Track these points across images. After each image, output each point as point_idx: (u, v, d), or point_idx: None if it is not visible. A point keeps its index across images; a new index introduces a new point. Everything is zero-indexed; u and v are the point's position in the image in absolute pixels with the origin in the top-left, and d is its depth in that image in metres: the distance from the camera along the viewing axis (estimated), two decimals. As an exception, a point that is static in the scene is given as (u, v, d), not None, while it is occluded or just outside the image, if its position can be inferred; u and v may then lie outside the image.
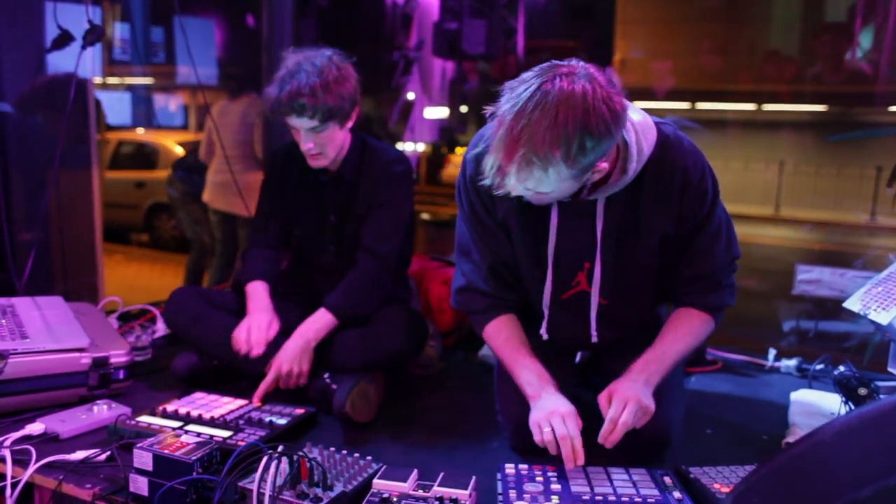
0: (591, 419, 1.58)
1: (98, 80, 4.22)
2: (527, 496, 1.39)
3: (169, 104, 4.74)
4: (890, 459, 0.90)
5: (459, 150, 5.92)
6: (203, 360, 2.09)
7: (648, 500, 1.39)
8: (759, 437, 1.87)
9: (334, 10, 3.91)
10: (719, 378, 2.37)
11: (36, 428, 1.68)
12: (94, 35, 2.36)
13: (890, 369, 1.93)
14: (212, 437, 1.62)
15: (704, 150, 1.65)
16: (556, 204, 1.63)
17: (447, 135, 5.94)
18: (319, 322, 2.03)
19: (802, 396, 2.00)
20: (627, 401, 1.53)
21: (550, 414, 1.54)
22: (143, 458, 1.41)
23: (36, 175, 2.77)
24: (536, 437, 1.54)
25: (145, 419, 1.73)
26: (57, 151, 2.32)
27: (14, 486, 1.50)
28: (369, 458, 1.57)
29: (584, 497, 1.39)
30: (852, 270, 2.45)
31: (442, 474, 1.47)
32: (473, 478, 1.45)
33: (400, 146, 5.39)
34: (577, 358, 1.97)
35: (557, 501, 1.37)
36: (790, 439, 1.76)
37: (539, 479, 1.47)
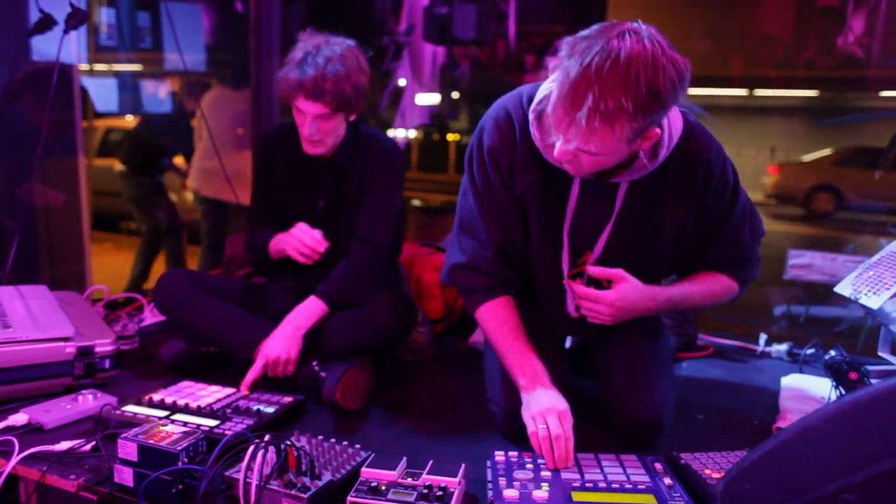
0: (581, 405, 1.58)
1: (84, 66, 4.16)
2: (516, 483, 1.38)
3: (157, 91, 4.68)
4: (881, 445, 0.89)
5: (451, 137, 5.89)
6: (191, 348, 2.07)
7: (639, 486, 1.38)
8: (750, 423, 1.86)
9: (323, -7, 3.87)
10: (711, 363, 2.36)
11: (19, 419, 1.66)
12: (77, 19, 2.31)
13: (880, 353, 1.93)
14: (198, 426, 1.61)
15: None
16: (579, 184, 1.60)
17: (438, 121, 5.90)
18: (310, 310, 2.00)
19: (793, 381, 2.00)
20: (612, 304, 1.57)
21: (547, 411, 1.51)
22: (127, 449, 1.39)
23: (20, 163, 2.73)
24: (530, 430, 1.52)
25: (131, 409, 1.71)
26: (41, 138, 2.27)
27: (-3, 477, 1.47)
28: (358, 446, 1.55)
29: (574, 484, 1.38)
30: (843, 255, 2.44)
31: (431, 462, 1.45)
32: (463, 465, 1.44)
33: (391, 132, 5.36)
34: (568, 343, 1.95)
35: (547, 489, 1.36)
36: (781, 424, 1.76)
37: (529, 466, 1.46)
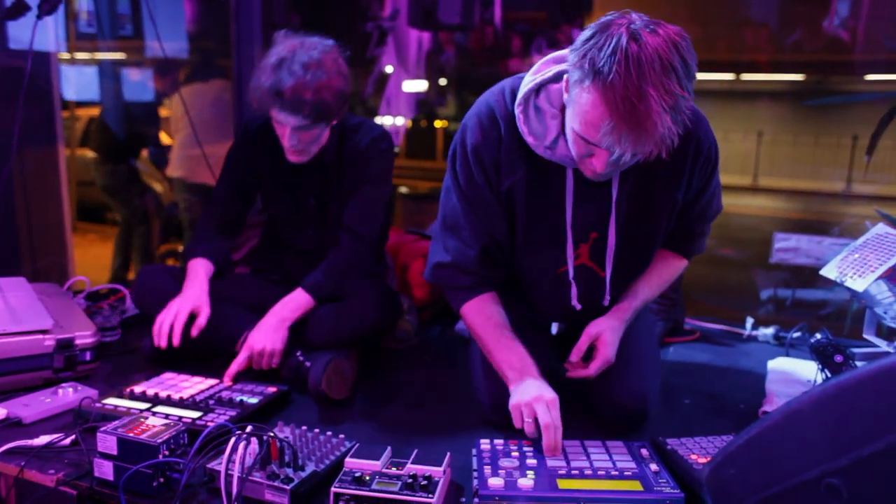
0: (567, 392, 1.57)
1: (65, 54, 4.09)
2: (502, 472, 1.36)
3: (138, 79, 4.61)
4: (865, 428, 0.88)
5: (438, 124, 5.84)
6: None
7: (625, 472, 1.37)
8: (737, 407, 1.86)
9: (306, -21, 3.82)
10: (698, 348, 2.36)
11: (-3, 413, 1.63)
12: (50, 4, 2.25)
13: (866, 336, 1.93)
14: (180, 418, 1.59)
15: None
16: (573, 173, 1.57)
17: (424, 108, 5.85)
18: (296, 302, 1.97)
19: (779, 365, 1.99)
20: (607, 363, 1.63)
21: (535, 400, 1.49)
22: (107, 442, 1.37)
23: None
24: (517, 423, 1.51)
25: (112, 401, 1.68)
26: (15, 128, 2.23)
27: (-26, 472, 1.45)
28: (342, 436, 1.54)
29: (560, 471, 1.37)
30: (829, 238, 2.45)
31: (416, 451, 1.44)
32: (448, 454, 1.43)
33: (378, 120, 5.32)
34: (554, 330, 1.94)
35: (533, 476, 1.35)
36: (767, 408, 1.76)
37: (514, 454, 1.45)
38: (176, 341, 1.91)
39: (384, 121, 5.31)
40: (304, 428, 1.54)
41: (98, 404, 1.66)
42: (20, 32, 2.67)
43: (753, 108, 7.62)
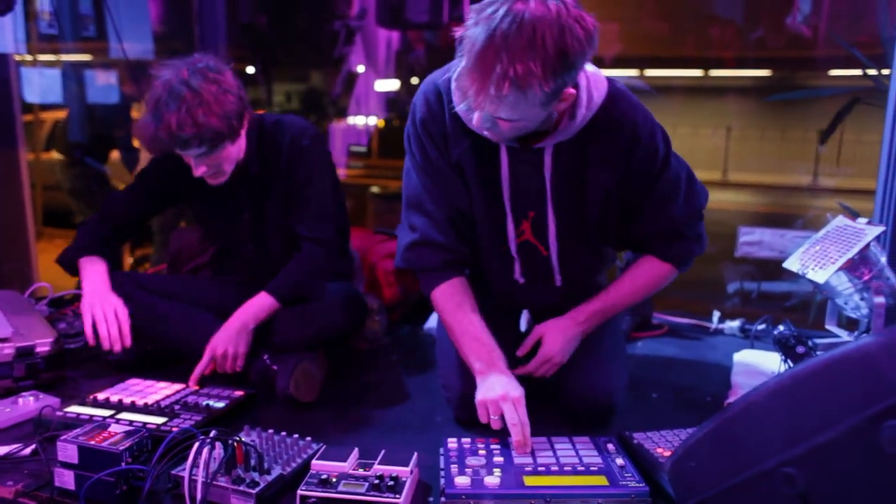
0: (535, 387, 1.57)
1: (25, 56, 4.01)
2: (468, 470, 1.36)
3: (102, 81, 4.54)
4: (819, 417, 0.89)
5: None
6: (137, 346, 2.01)
7: (591, 467, 1.38)
8: (704, 400, 1.88)
9: (271, -22, 3.79)
10: (665, 342, 2.39)
11: (-45, 424, 1.60)
12: (4, 4, 2.20)
13: (828, 326, 1.96)
14: (144, 424, 1.56)
15: (654, 115, 1.62)
16: (506, 150, 1.59)
17: (396, 107, 5.84)
18: (259, 305, 1.94)
19: (745, 357, 2.01)
20: (547, 360, 1.65)
21: (501, 398, 1.50)
22: (67, 451, 1.35)
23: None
24: (482, 419, 1.52)
25: (74, 409, 1.65)
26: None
27: (-69, 486, 1.41)
28: (309, 438, 1.53)
29: (526, 468, 1.38)
30: (792, 231, 2.48)
31: (383, 452, 1.44)
32: (415, 454, 1.43)
33: (351, 120, 5.28)
34: (523, 326, 1.95)
35: (499, 474, 1.35)
36: (732, 399, 1.78)
37: (482, 452, 1.45)
38: (127, 342, 1.89)
39: (356, 120, 5.27)
40: (270, 431, 1.52)
41: (59, 413, 1.63)
42: None
43: (722, 103, 7.71)
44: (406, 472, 1.37)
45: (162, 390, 1.80)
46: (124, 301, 1.95)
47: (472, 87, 1.34)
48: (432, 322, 2.37)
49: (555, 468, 1.38)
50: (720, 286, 3.12)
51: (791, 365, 1.71)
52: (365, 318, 2.12)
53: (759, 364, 1.96)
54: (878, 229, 1.77)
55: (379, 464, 1.40)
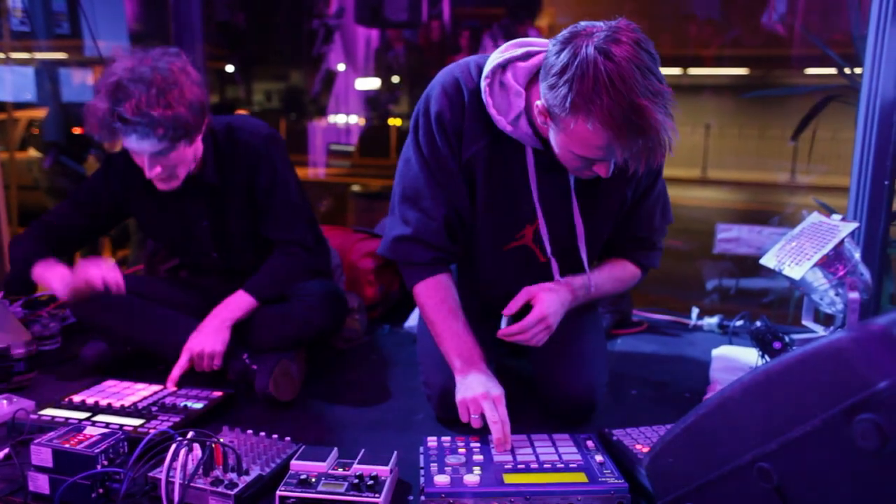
0: (516, 385, 1.58)
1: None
2: (448, 469, 1.36)
3: (77, 79, 4.48)
4: (792, 412, 0.90)
5: (392, 122, 5.81)
6: (113, 347, 1.99)
7: (570, 464, 1.38)
8: (682, 396, 1.90)
9: (249, -24, 3.76)
10: (645, 339, 2.40)
11: (-74, 428, 1.57)
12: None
13: (804, 322, 1.98)
14: (121, 426, 1.54)
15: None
16: (533, 152, 1.58)
17: (376, 106, 5.83)
18: (237, 303, 1.93)
19: (723, 352, 2.04)
20: (542, 319, 1.56)
21: (481, 397, 1.50)
22: (41, 454, 1.33)
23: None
24: (463, 417, 1.52)
25: (49, 412, 1.63)
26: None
27: None
28: (288, 438, 1.52)
29: (506, 466, 1.38)
30: (769, 227, 2.51)
31: (363, 451, 1.43)
32: (395, 453, 1.42)
33: (331, 119, 5.26)
34: (504, 323, 1.95)
35: (479, 472, 1.35)
36: (710, 395, 1.79)
37: (462, 450, 1.45)
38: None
39: (336, 119, 5.25)
40: (249, 431, 1.51)
41: (34, 416, 1.61)
42: None
43: (700, 101, 7.78)
44: (386, 472, 1.36)
45: (139, 392, 1.78)
46: (102, 304, 1.93)
47: (631, 150, 1.34)
48: (412, 321, 2.37)
49: (534, 465, 1.38)
50: (699, 283, 3.15)
51: (768, 360, 1.73)
52: (346, 316, 2.11)
53: (738, 359, 1.98)
54: (852, 226, 1.80)
55: (358, 463, 1.39)
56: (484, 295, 1.78)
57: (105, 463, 1.32)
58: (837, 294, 1.83)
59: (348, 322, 2.21)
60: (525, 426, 1.55)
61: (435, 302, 1.65)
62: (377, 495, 1.29)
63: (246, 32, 4.22)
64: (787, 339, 1.73)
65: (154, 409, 1.67)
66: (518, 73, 1.52)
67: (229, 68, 4.80)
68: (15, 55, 4.22)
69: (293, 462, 1.39)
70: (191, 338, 1.86)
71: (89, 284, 1.82)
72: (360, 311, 2.31)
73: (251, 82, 5.64)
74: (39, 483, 1.33)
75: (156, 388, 1.81)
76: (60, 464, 1.32)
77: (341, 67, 4.77)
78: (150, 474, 1.35)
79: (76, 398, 1.70)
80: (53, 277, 1.86)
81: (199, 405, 1.70)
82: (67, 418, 1.59)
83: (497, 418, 1.47)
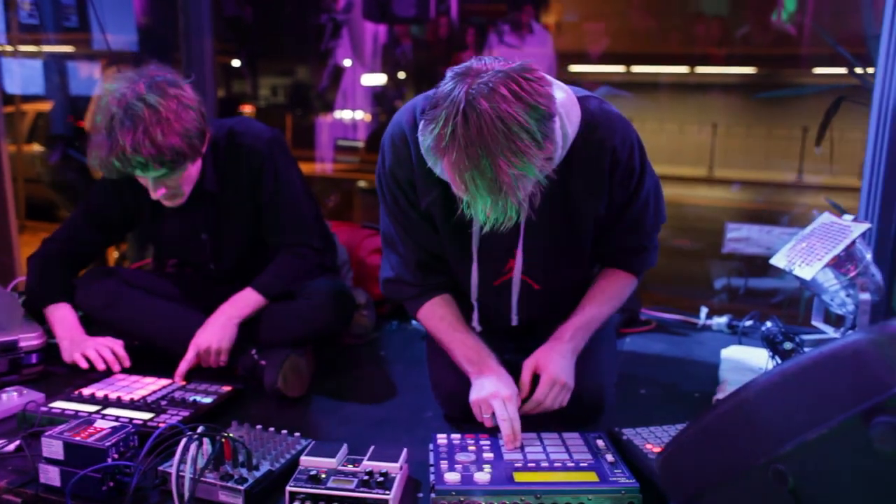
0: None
1: (6, 47, 3.96)
2: (458, 466, 1.36)
3: (84, 73, 4.49)
4: (809, 414, 0.90)
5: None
6: (123, 341, 1.99)
7: (581, 464, 1.38)
8: (692, 396, 1.89)
9: (257, -30, 3.76)
10: (653, 338, 2.39)
11: (-63, 419, 1.57)
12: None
13: (814, 322, 1.98)
14: (130, 420, 1.55)
15: (640, 113, 1.62)
16: None
17: (382, 101, 5.83)
18: (245, 300, 1.93)
19: (732, 353, 2.03)
20: (555, 382, 1.55)
21: (492, 396, 1.50)
22: (52, 447, 1.33)
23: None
24: (478, 417, 1.52)
25: (59, 405, 1.63)
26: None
27: (-88, 482, 1.39)
28: (297, 434, 1.52)
29: (516, 464, 1.38)
30: (779, 227, 2.50)
31: (372, 448, 1.43)
32: (405, 450, 1.42)
33: (337, 114, 5.26)
34: (514, 321, 1.94)
35: (489, 470, 1.34)
36: (720, 395, 1.79)
37: (472, 448, 1.45)
38: (126, 363, 1.93)
39: (342, 115, 5.24)
40: (258, 427, 1.52)
41: (44, 408, 1.61)
42: None
43: (708, 100, 7.76)
44: (395, 469, 1.36)
45: (148, 385, 1.78)
46: (109, 299, 1.95)
47: (484, 203, 1.30)
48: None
49: (545, 464, 1.38)
50: (707, 282, 3.14)
51: (778, 361, 1.72)
52: (353, 315, 2.11)
53: (747, 360, 1.97)
54: (864, 226, 1.79)
55: (368, 460, 1.39)
56: (492, 325, 1.75)
57: (116, 456, 1.32)
58: (848, 295, 1.83)
59: (356, 318, 2.21)
60: (534, 425, 1.54)
61: (435, 322, 1.68)
62: (387, 492, 1.29)
63: (253, 27, 4.22)
64: (797, 339, 1.72)
65: (163, 403, 1.67)
66: None
67: (235, 63, 4.80)
68: (23, 48, 4.23)
69: (303, 458, 1.39)
70: (198, 333, 1.86)
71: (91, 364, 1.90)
72: (368, 308, 2.31)
73: (257, 77, 5.64)
74: (50, 475, 1.34)
75: (164, 382, 1.81)
76: (71, 456, 1.32)
77: (347, 63, 4.76)
78: (161, 468, 1.35)
79: (86, 391, 1.71)
80: (62, 338, 1.95)
81: (207, 400, 1.70)
82: (77, 411, 1.60)
83: (506, 416, 1.47)
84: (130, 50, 4.17)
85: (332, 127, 5.31)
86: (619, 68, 6.46)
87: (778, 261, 1.94)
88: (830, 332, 1.94)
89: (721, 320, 2.44)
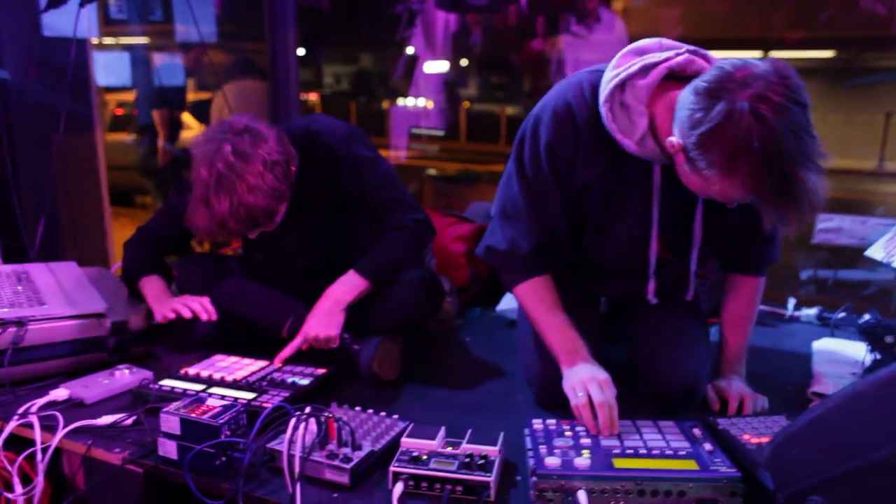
0: (613, 372, 1.58)
1: (95, 40, 4.14)
2: (557, 451, 1.38)
3: (168, 63, 4.66)
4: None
5: (464, 105, 5.81)
6: (220, 323, 2.07)
7: (679, 452, 1.38)
8: (784, 388, 1.86)
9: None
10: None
11: (60, 394, 1.68)
12: (90, -8, 2.28)
13: (915, 316, 1.92)
14: (236, 399, 1.62)
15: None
16: (660, 169, 1.56)
17: (450, 89, 5.83)
18: (351, 284, 1.93)
19: (825, 345, 1.99)
20: (752, 398, 1.66)
21: (588, 380, 1.52)
22: (170, 423, 1.41)
23: (40, 140, 2.73)
24: (573, 401, 1.53)
25: (168, 383, 1.72)
26: (62, 115, 2.27)
27: (44, 451, 1.50)
28: (396, 416, 1.56)
29: (614, 451, 1.39)
30: (874, 218, 2.41)
31: (469, 431, 1.46)
32: (502, 434, 1.45)
33: (405, 101, 5.29)
34: (602, 305, 1.95)
35: (588, 455, 1.36)
36: (817, 388, 1.75)
37: (568, 433, 1.47)
38: (213, 315, 1.97)
39: (409, 102, 5.27)
40: (357, 409, 1.57)
41: (155, 385, 1.70)
42: (54, 21, 2.70)
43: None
44: (495, 452, 1.39)
45: (247, 367, 1.86)
46: (207, 283, 2.04)
47: (779, 212, 1.33)
48: (504, 304, 2.39)
49: (643, 451, 1.39)
50: (791, 272, 3.06)
51: (878, 355, 1.68)
52: (441, 302, 2.14)
53: (842, 352, 1.93)
54: (973, 217, 1.72)
55: (467, 443, 1.42)
56: (595, 287, 1.78)
57: (228, 433, 1.39)
58: (952, 288, 1.77)
59: (440, 309, 2.24)
60: (624, 412, 1.54)
61: (534, 302, 1.69)
62: (488, 475, 1.32)
63: (330, 17, 4.29)
64: (898, 332, 1.68)
65: (264, 384, 1.74)
66: (639, 92, 1.46)
67: (300, 51, 4.88)
68: (106, 40, 4.41)
69: (403, 439, 1.44)
70: (307, 322, 1.89)
71: (178, 314, 1.96)
72: (451, 294, 2.35)
73: (321, 65, 5.73)
74: (168, 448, 1.42)
75: (262, 363, 1.88)
76: (187, 432, 1.39)
77: (410, 50, 4.78)
78: (269, 445, 1.42)
79: (191, 371, 1.79)
80: (152, 301, 2.02)
81: (305, 381, 1.76)
82: (185, 389, 1.68)
83: (604, 400, 1.48)
84: (210, 41, 4.31)
85: (401, 115, 5.35)
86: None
87: (874, 252, 1.89)
88: (930, 325, 1.88)
89: (810, 312, 2.38)
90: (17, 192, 2.39)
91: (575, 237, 1.71)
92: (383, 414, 1.57)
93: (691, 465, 1.33)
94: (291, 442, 1.35)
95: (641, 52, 1.49)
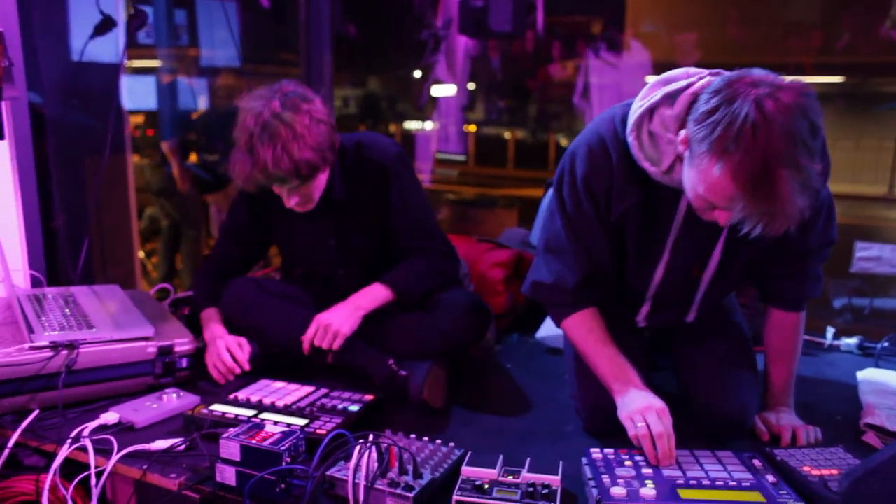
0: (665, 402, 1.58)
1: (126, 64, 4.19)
2: (620, 481, 1.37)
3: (192, 88, 4.70)
4: None
5: (468, 128, 5.84)
6: (263, 348, 2.08)
7: (743, 483, 1.37)
8: (833, 418, 1.84)
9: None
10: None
11: (110, 417, 1.68)
12: (140, 20, 2.32)
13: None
14: (288, 425, 1.61)
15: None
16: (686, 200, 1.56)
17: (467, 114, 5.88)
18: (373, 293, 2.00)
19: (871, 375, 1.98)
20: (803, 429, 1.67)
21: (645, 410, 1.52)
22: (230, 449, 1.41)
23: (75, 164, 2.75)
24: (631, 432, 1.52)
25: (219, 408, 1.72)
26: (107, 139, 2.29)
27: (98, 475, 1.49)
28: (452, 444, 1.56)
29: (678, 481, 1.38)
30: (914, 247, 2.41)
31: (529, 460, 1.46)
32: (561, 462, 1.45)
33: (415, 125, 5.32)
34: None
35: (653, 486, 1.35)
36: (869, 420, 1.74)
37: (628, 463, 1.46)
38: (246, 366, 2.00)
39: (411, 125, 5.29)
40: (413, 436, 1.56)
41: (206, 410, 1.70)
42: (80, 43, 2.74)
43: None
44: (557, 481, 1.39)
45: (294, 392, 1.85)
46: (247, 306, 2.06)
47: (752, 213, 1.31)
48: (544, 331, 2.39)
49: (706, 482, 1.38)
50: (825, 301, 3.05)
51: (931, 385, 1.68)
52: (488, 328, 2.14)
53: (890, 383, 1.92)
54: None
55: (527, 472, 1.42)
56: (640, 316, 1.79)
57: (288, 460, 1.39)
58: None
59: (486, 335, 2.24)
60: (678, 442, 1.53)
61: (582, 334, 1.71)
62: (552, 504, 1.32)
63: (358, 43, 4.35)
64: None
65: (314, 409, 1.74)
66: (666, 120, 1.48)
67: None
68: (137, 64, 4.46)
69: (464, 468, 1.43)
70: (322, 312, 1.95)
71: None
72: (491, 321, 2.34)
73: (355, 90, 5.80)
74: (226, 475, 1.41)
75: (308, 389, 1.87)
76: (247, 458, 1.39)
77: (417, 73, 4.80)
78: (329, 473, 1.41)
79: (241, 395, 1.79)
80: (208, 341, 2.06)
81: (355, 408, 1.76)
82: (237, 415, 1.68)
83: (663, 430, 1.48)
84: (232, 65, 4.35)
85: (430, 140, 5.38)
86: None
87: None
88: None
89: (850, 341, 2.37)
90: (57, 216, 2.40)
91: (619, 268, 1.72)
92: (439, 441, 1.56)
93: (757, 496, 1.33)
94: (356, 470, 1.34)
95: (668, 83, 1.50)
